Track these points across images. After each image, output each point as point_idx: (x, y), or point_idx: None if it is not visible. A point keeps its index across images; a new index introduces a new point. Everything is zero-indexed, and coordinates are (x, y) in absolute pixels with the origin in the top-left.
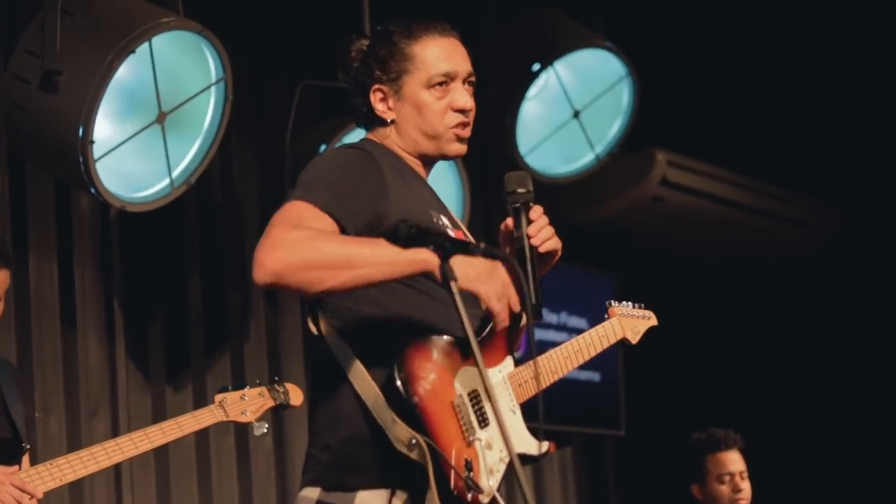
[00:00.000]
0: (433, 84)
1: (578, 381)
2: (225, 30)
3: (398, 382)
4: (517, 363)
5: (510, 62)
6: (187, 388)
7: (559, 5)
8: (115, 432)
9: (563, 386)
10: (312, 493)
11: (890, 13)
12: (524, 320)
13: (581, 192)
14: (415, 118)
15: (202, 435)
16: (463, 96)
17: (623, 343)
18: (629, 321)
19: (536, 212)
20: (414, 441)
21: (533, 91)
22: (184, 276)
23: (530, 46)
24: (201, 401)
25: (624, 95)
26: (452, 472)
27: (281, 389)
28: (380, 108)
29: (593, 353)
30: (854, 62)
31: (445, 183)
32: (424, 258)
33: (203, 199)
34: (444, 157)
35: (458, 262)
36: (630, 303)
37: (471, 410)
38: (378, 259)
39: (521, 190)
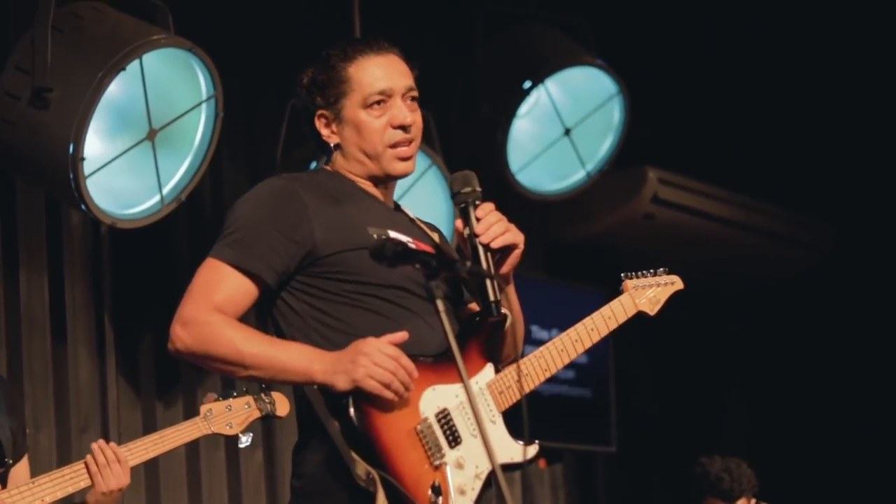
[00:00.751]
0: (370, 103)
1: (570, 397)
2: (215, 47)
3: (353, 420)
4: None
5: (501, 79)
6: (178, 404)
7: (550, 23)
8: None
9: (554, 402)
10: None
11: (883, 31)
12: (508, 322)
13: (572, 210)
14: (356, 139)
15: (192, 449)
16: (401, 112)
17: (641, 317)
18: (645, 292)
19: (483, 209)
20: (370, 475)
21: (524, 108)
22: (174, 292)
23: (521, 64)
24: (192, 416)
25: (615, 113)
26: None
27: (268, 399)
28: (324, 133)
29: (596, 339)
30: (848, 79)
31: (436, 199)
32: (313, 370)
33: (193, 216)
34: (391, 178)
35: (321, 369)
36: (651, 270)
37: (438, 432)
38: (271, 364)
39: (465, 189)
